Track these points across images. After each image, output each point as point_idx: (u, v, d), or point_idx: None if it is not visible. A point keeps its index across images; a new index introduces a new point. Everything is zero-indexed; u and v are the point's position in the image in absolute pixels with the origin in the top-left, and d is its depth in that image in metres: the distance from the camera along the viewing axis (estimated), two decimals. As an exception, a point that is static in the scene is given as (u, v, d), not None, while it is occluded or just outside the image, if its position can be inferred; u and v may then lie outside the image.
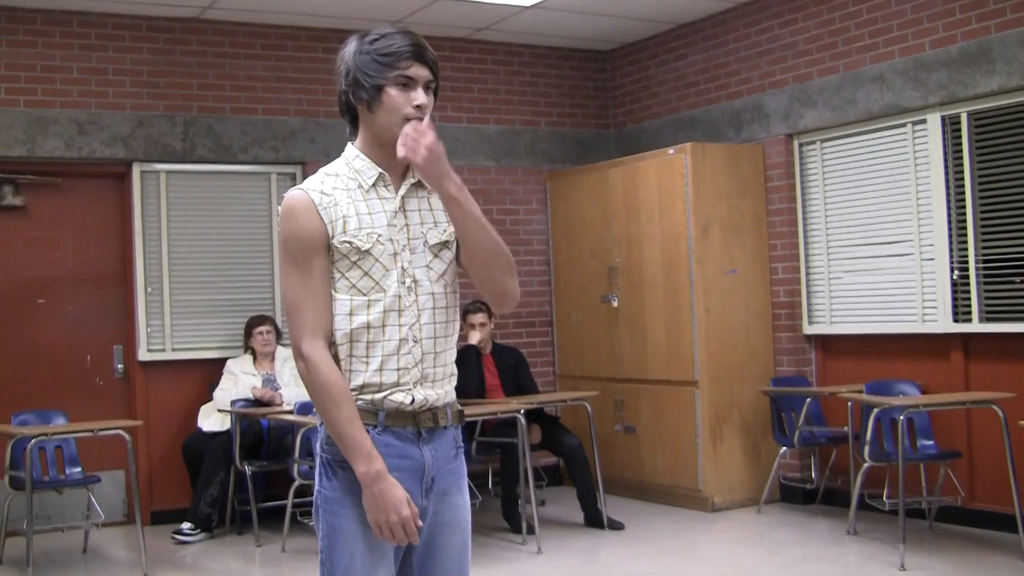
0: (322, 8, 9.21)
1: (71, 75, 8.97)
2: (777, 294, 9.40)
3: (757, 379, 9.25)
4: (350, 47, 3.31)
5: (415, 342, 3.26)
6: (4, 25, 8.76)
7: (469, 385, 8.92)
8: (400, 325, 3.24)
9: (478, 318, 9.14)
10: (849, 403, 8.30)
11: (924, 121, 8.30)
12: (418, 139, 3.14)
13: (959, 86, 7.98)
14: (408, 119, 3.21)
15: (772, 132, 9.40)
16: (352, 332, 3.22)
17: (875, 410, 7.57)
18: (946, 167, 8.16)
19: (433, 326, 3.31)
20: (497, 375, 9.16)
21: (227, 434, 8.76)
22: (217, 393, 8.99)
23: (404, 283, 3.25)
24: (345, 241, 3.20)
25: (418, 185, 3.35)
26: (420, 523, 3.19)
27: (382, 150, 3.30)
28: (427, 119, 3.23)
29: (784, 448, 8.91)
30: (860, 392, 8.15)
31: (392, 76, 3.20)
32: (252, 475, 8.60)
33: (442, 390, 3.34)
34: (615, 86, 11.17)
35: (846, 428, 8.46)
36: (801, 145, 9.30)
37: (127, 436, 7.75)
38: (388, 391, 3.23)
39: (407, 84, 3.22)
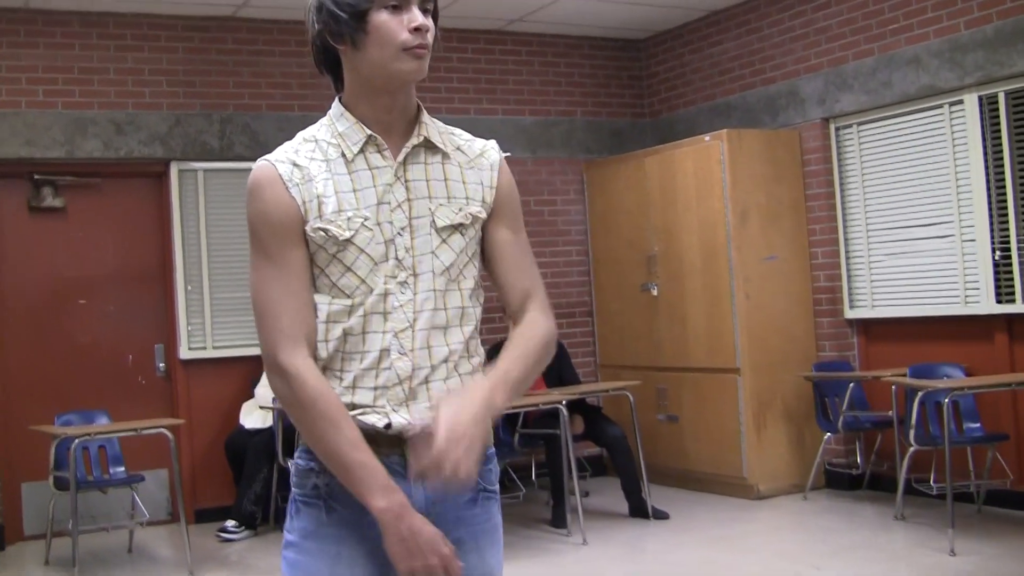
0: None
1: (108, 76, 9.01)
2: (817, 279, 9.36)
3: (799, 365, 9.20)
4: None
5: (401, 354, 2.59)
6: (41, 28, 8.81)
7: (510, 377, 8.89)
8: (384, 331, 2.59)
9: (517, 310, 9.11)
10: (893, 387, 8.24)
11: (961, 102, 8.24)
12: (448, 457, 2.37)
13: (995, 66, 7.92)
14: (406, 48, 2.58)
15: (808, 117, 9.35)
16: (329, 345, 2.60)
17: (919, 393, 7.53)
18: (984, 147, 8.10)
19: (429, 333, 2.62)
20: (539, 366, 9.13)
21: (269, 431, 8.77)
22: (259, 390, 9.02)
23: (396, 277, 2.60)
24: (320, 228, 2.57)
25: (426, 146, 2.70)
26: (461, 563, 2.54)
27: (376, 99, 2.65)
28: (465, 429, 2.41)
29: (828, 434, 8.86)
30: (904, 376, 8.11)
31: None
32: (296, 471, 8.60)
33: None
34: (650, 74, 11.14)
35: (891, 412, 8.40)
36: (838, 129, 9.25)
37: (170, 435, 7.78)
38: (358, 412, 2.58)
39: (397, 5, 2.57)
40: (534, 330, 2.72)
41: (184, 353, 9.24)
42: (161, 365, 9.34)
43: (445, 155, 2.72)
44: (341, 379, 2.59)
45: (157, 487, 9.14)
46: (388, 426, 2.57)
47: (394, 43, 2.56)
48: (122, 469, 8.35)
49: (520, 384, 2.61)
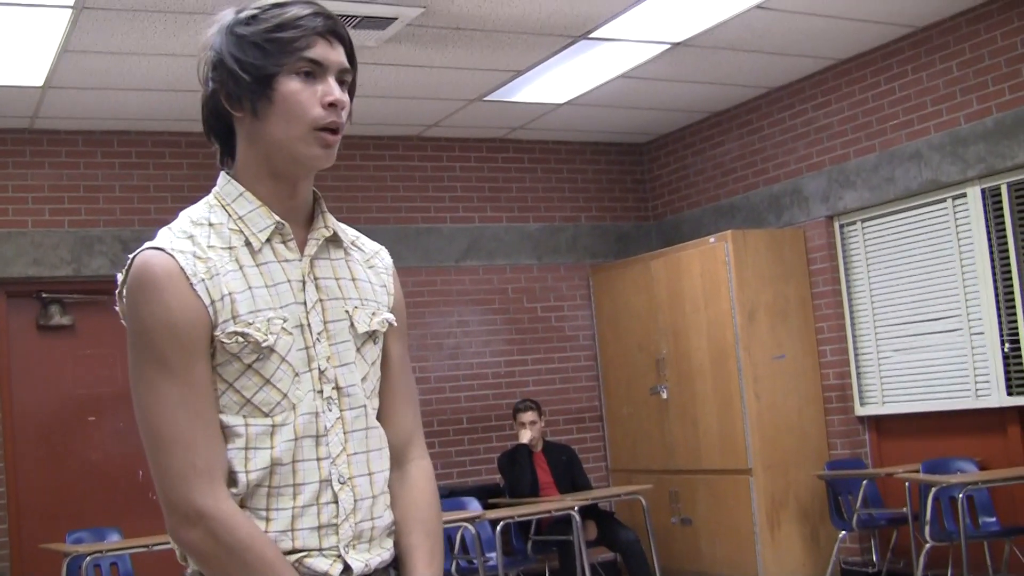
0: (358, 116, 9.27)
1: (114, 194, 9.07)
2: (827, 376, 9.32)
3: (811, 463, 9.14)
4: (217, 26, 2.23)
5: (342, 483, 2.19)
6: (47, 148, 8.89)
7: (523, 484, 8.88)
8: (319, 459, 2.17)
9: (528, 416, 9.11)
10: (907, 483, 8.17)
11: (964, 195, 8.26)
12: None
13: (997, 158, 7.95)
14: (318, 128, 2.17)
15: (812, 215, 9.37)
16: (249, 477, 2.12)
17: (933, 489, 7.46)
18: (989, 239, 8.11)
19: (367, 456, 2.25)
20: (550, 472, 9.11)
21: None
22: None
23: (322, 392, 2.19)
24: (236, 333, 2.10)
25: (333, 241, 2.32)
26: None
27: (276, 182, 2.23)
28: None
29: (843, 532, 8.77)
30: (917, 472, 8.04)
31: (289, 62, 2.14)
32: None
33: (382, 548, 2.28)
34: (653, 178, 11.20)
35: (905, 509, 8.31)
36: (842, 226, 9.27)
37: (181, 550, 7.72)
38: (302, 555, 2.15)
39: (312, 72, 2.17)
40: (431, 497, 2.41)
41: (194, 468, 9.17)
42: (171, 481, 9.28)
43: (346, 251, 2.35)
44: (272, 520, 2.13)
45: (169, 604, 9.04)
46: (346, 570, 2.19)
47: (303, 119, 2.16)
48: (134, 586, 8.28)
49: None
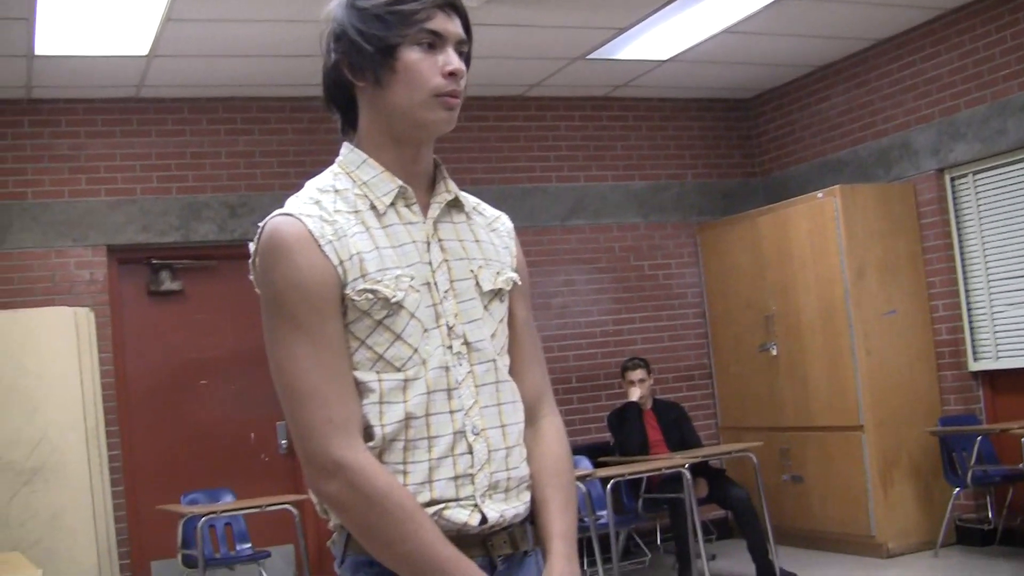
0: (461, 76, 9.28)
1: (220, 160, 9.17)
2: (939, 332, 9.17)
3: (924, 420, 9.01)
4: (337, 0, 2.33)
5: (476, 435, 2.25)
6: (153, 116, 9.01)
7: (632, 442, 8.88)
8: (452, 411, 2.23)
9: (637, 374, 9.09)
10: (1023, 439, 8.04)
11: (1081, 145, 8.06)
12: None
13: (1115, 106, 7.75)
14: (438, 95, 2.24)
15: (922, 168, 9.21)
16: (385, 431, 2.20)
17: (1051, 445, 7.33)
18: (1107, 190, 7.92)
19: (499, 409, 2.31)
20: (660, 431, 9.09)
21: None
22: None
23: (451, 348, 2.25)
24: (366, 290, 2.18)
25: (455, 205, 2.39)
26: None
27: (398, 149, 2.31)
28: None
29: (957, 489, 8.65)
30: (1033, 427, 7.90)
31: (411, 33, 2.22)
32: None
33: (519, 501, 2.33)
34: (759, 133, 11.07)
35: (1022, 465, 8.18)
36: (953, 179, 9.09)
37: (295, 511, 7.85)
38: (440, 507, 2.21)
39: (432, 43, 2.24)
40: (563, 451, 2.45)
41: (303, 430, 9.26)
42: (283, 442, 9.40)
43: (468, 215, 2.41)
44: (409, 473, 2.20)
45: (284, 563, 9.17)
46: (483, 520, 2.24)
47: (425, 87, 2.23)
48: (248, 546, 8.41)
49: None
